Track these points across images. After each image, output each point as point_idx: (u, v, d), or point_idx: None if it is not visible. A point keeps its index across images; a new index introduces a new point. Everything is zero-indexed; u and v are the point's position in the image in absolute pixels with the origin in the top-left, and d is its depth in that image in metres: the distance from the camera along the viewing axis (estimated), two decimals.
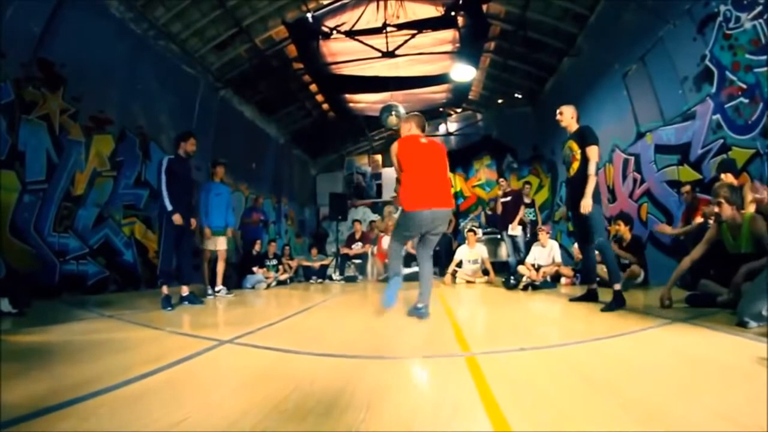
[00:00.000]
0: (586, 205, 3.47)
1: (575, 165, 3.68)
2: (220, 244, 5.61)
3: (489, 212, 8.10)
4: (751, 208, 3.39)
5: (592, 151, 3.56)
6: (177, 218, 4.17)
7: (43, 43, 5.09)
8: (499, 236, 8.38)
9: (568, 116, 3.87)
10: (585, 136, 3.64)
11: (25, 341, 2.46)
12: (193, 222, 4.73)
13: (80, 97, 5.61)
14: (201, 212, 5.50)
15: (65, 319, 3.37)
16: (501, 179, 7.95)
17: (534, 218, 8.08)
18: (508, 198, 7.41)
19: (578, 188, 3.58)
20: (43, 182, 5.12)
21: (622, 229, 5.59)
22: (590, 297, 3.85)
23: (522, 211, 7.37)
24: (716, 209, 3.07)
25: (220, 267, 5.57)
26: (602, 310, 3.26)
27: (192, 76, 8.03)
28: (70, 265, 5.46)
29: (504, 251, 7.99)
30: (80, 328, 3.01)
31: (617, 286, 3.40)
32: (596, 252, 3.87)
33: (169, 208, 4.17)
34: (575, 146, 3.70)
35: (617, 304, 3.31)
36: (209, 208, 5.53)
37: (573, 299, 4.00)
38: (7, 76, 4.69)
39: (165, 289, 4.12)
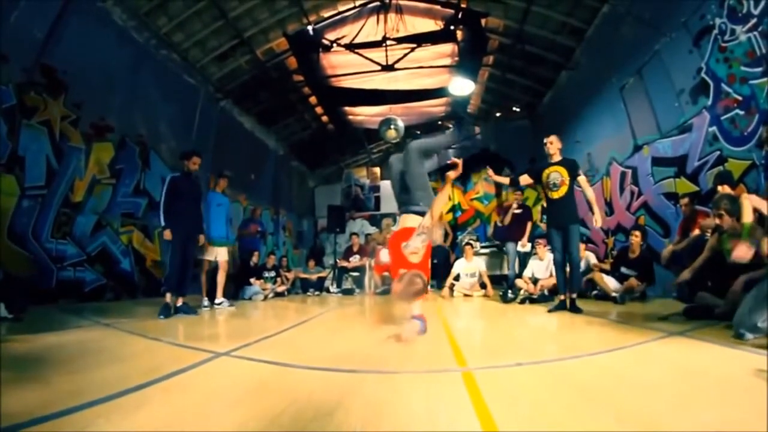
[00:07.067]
0: (602, 218, 4.31)
1: (564, 189, 4.36)
2: (221, 255, 5.51)
3: (500, 224, 7.81)
4: (748, 219, 3.41)
5: (586, 179, 4.53)
6: (167, 234, 4.37)
7: (46, 48, 5.14)
8: (502, 249, 8.29)
9: (557, 145, 4.50)
10: (575, 167, 4.41)
11: (22, 348, 2.44)
12: (201, 238, 4.85)
13: (81, 104, 5.64)
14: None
15: (62, 326, 3.35)
16: (517, 191, 7.72)
17: None
18: (521, 210, 7.40)
19: (567, 208, 4.35)
20: (42, 188, 5.13)
21: (636, 241, 5.60)
22: (564, 306, 4.30)
23: (530, 227, 7.36)
24: (717, 221, 3.10)
25: (221, 278, 5.42)
26: (549, 311, 4.30)
27: (193, 86, 8.09)
28: (68, 271, 5.44)
29: (504, 264, 7.93)
30: (77, 335, 2.98)
31: (574, 295, 4.23)
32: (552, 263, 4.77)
33: (162, 224, 4.41)
34: (565, 173, 4.37)
35: (570, 309, 4.15)
36: (210, 219, 5.42)
37: (551, 310, 4.37)
38: (10, 80, 4.72)
39: (168, 297, 4.23)
